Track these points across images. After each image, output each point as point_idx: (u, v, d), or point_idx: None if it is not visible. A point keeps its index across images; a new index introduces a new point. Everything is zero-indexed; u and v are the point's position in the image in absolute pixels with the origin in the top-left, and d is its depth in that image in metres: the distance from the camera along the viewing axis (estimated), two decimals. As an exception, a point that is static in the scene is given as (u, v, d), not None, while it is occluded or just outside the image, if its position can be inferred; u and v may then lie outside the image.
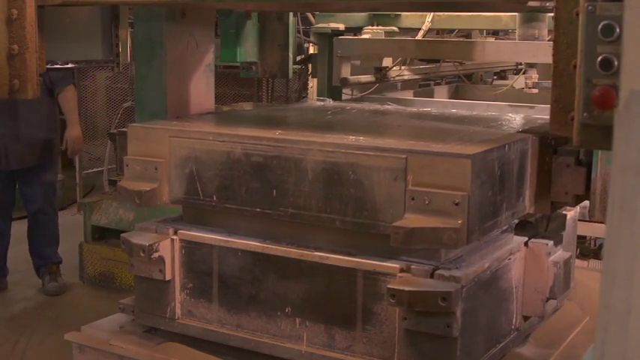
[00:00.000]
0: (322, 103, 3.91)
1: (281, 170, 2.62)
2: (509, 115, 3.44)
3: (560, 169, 2.74)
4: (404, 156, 2.40)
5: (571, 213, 3.19)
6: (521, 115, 3.41)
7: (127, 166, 2.91)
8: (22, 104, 5.53)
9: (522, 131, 2.80)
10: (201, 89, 3.71)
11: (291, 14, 4.06)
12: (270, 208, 2.66)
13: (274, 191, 2.64)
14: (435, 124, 3.23)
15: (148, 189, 2.82)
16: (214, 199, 2.77)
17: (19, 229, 6.19)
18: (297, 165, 2.59)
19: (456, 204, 2.29)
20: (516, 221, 2.75)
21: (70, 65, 4.61)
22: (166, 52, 3.55)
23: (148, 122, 3.11)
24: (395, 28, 5.15)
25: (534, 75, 4.71)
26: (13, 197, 6.06)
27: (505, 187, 2.52)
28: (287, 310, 2.64)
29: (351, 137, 2.63)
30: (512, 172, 2.56)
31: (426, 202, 2.34)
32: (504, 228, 2.68)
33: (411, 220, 2.34)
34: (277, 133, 2.73)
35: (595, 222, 4.38)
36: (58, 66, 4.56)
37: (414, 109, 3.74)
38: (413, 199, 2.37)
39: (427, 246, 2.36)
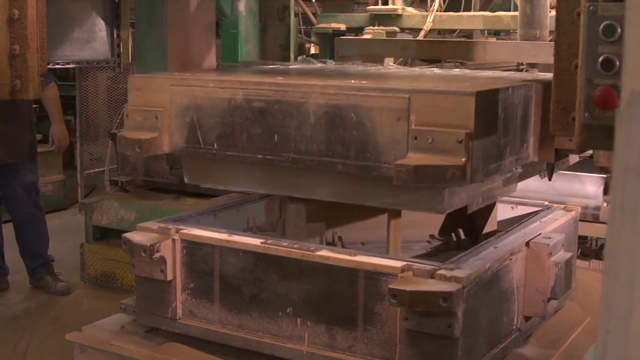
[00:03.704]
0: (323, 65, 3.88)
1: (282, 115, 2.60)
2: (514, 73, 3.44)
3: None
4: (407, 95, 2.38)
5: (572, 213, 3.19)
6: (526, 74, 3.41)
7: (127, 116, 2.89)
8: (1, 103, 5.37)
9: (526, 80, 2.79)
10: (202, 48, 3.64)
11: (292, 14, 4.06)
12: (272, 154, 2.64)
13: (276, 136, 2.62)
14: (439, 75, 3.25)
15: (149, 137, 2.80)
16: (215, 147, 2.76)
17: (12, 231, 6.16)
18: (298, 109, 2.57)
19: (460, 142, 2.28)
20: (520, 170, 2.73)
21: (70, 65, 4.60)
22: (167, 9, 3.50)
23: (149, 73, 3.07)
24: (396, 29, 5.16)
25: (535, 75, 4.71)
26: None
27: (509, 130, 2.50)
28: (288, 311, 2.64)
29: (352, 80, 2.60)
30: (516, 116, 2.55)
31: (430, 141, 2.32)
32: (508, 175, 2.66)
33: (415, 158, 2.33)
34: (279, 79, 2.72)
35: (596, 222, 4.39)
36: (59, 66, 4.56)
37: (417, 69, 3.74)
38: (416, 138, 2.35)
39: (431, 184, 2.34)
